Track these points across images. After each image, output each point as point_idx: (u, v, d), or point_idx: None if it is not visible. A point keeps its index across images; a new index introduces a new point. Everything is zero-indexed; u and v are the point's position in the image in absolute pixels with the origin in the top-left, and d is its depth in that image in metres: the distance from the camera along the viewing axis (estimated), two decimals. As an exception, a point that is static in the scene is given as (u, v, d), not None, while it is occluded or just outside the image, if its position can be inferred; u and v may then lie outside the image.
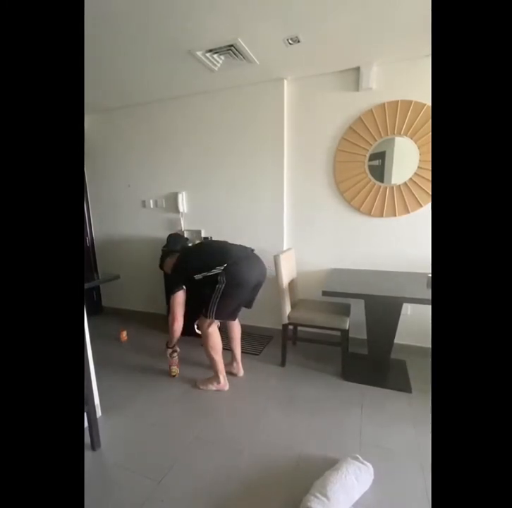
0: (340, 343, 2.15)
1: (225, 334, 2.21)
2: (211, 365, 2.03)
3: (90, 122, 3.18)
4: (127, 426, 1.71)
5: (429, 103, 2.16)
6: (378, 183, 2.35)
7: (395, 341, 2.17)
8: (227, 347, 2.20)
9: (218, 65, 2.16)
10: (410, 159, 2.24)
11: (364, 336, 2.24)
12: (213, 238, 2.88)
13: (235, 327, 2.20)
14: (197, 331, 2.09)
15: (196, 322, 2.11)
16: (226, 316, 1.99)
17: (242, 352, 2.53)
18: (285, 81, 2.44)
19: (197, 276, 1.94)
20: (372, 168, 2.36)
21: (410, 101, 2.18)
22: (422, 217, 2.29)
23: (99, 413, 1.77)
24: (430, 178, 2.23)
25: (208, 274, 1.90)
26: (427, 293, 1.78)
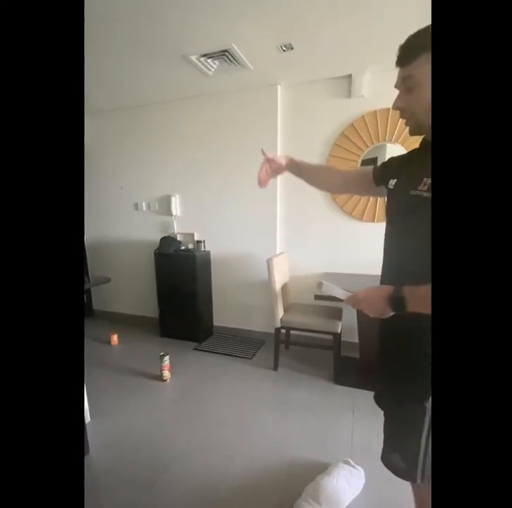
0: (332, 346, 2.16)
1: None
2: None
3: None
4: (117, 431, 1.69)
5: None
6: (370, 188, 2.38)
7: (387, 344, 2.18)
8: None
9: (213, 69, 2.18)
10: (401, 165, 2.28)
11: (356, 340, 2.25)
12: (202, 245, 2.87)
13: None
14: None
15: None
16: None
17: (233, 356, 2.53)
18: (279, 87, 2.47)
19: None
20: (363, 174, 2.39)
21: (401, 109, 2.21)
22: (413, 222, 2.32)
23: (88, 418, 1.74)
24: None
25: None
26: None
